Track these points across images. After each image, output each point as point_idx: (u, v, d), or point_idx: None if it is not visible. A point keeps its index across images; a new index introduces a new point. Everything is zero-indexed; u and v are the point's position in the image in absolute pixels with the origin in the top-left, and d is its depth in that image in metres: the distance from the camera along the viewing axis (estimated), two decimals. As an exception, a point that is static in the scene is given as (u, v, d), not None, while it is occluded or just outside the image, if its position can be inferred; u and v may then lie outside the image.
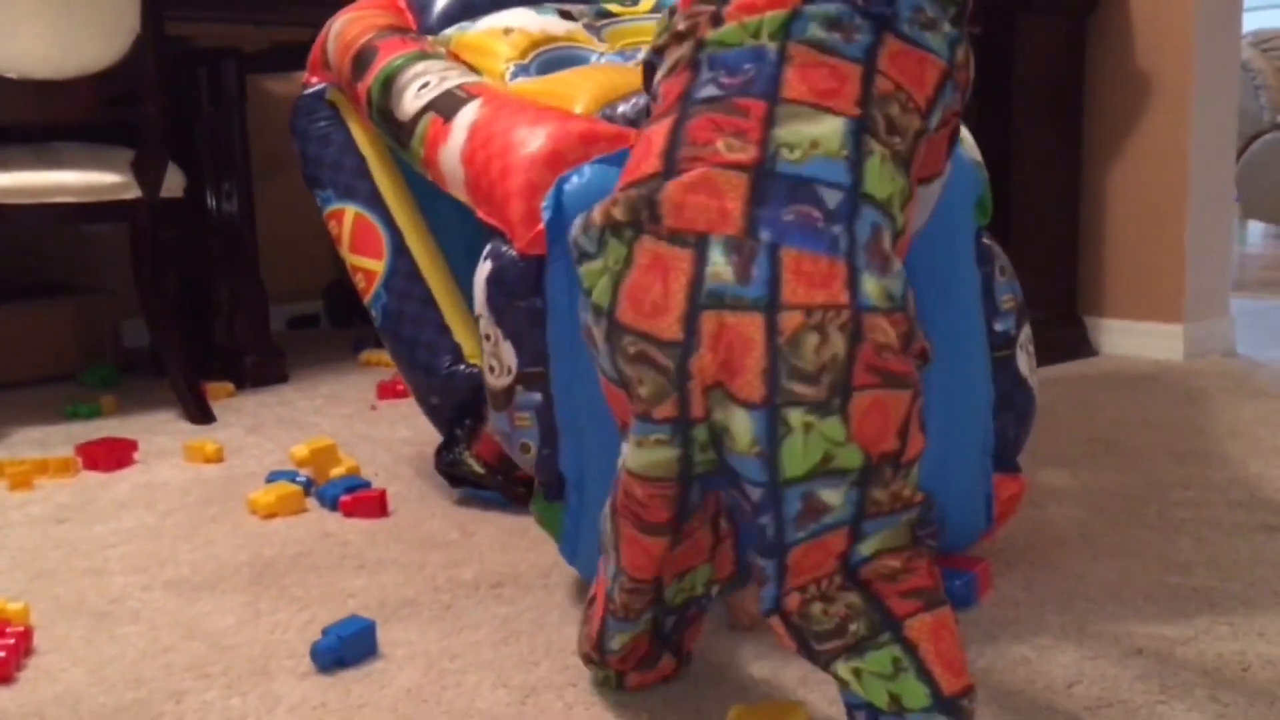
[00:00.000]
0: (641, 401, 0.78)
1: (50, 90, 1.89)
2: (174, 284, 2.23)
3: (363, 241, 1.59)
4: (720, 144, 0.77)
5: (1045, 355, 2.45)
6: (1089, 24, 2.49)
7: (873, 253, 0.74)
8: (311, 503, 1.54)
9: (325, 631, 1.05)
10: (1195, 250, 2.40)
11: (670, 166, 0.78)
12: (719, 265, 0.73)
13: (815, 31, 0.80)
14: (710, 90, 0.81)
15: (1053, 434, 1.82)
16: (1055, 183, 2.51)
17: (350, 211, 1.62)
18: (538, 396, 1.10)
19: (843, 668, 0.77)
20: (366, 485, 1.55)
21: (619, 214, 0.78)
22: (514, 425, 1.13)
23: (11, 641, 1.04)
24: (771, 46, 0.80)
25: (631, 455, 0.82)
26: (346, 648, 1.04)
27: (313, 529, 1.44)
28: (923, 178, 0.87)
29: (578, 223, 0.81)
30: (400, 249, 1.56)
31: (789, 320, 0.72)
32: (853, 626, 0.76)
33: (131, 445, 1.80)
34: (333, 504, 1.51)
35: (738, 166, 0.76)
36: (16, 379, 2.42)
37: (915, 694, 0.75)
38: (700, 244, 0.74)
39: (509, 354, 1.12)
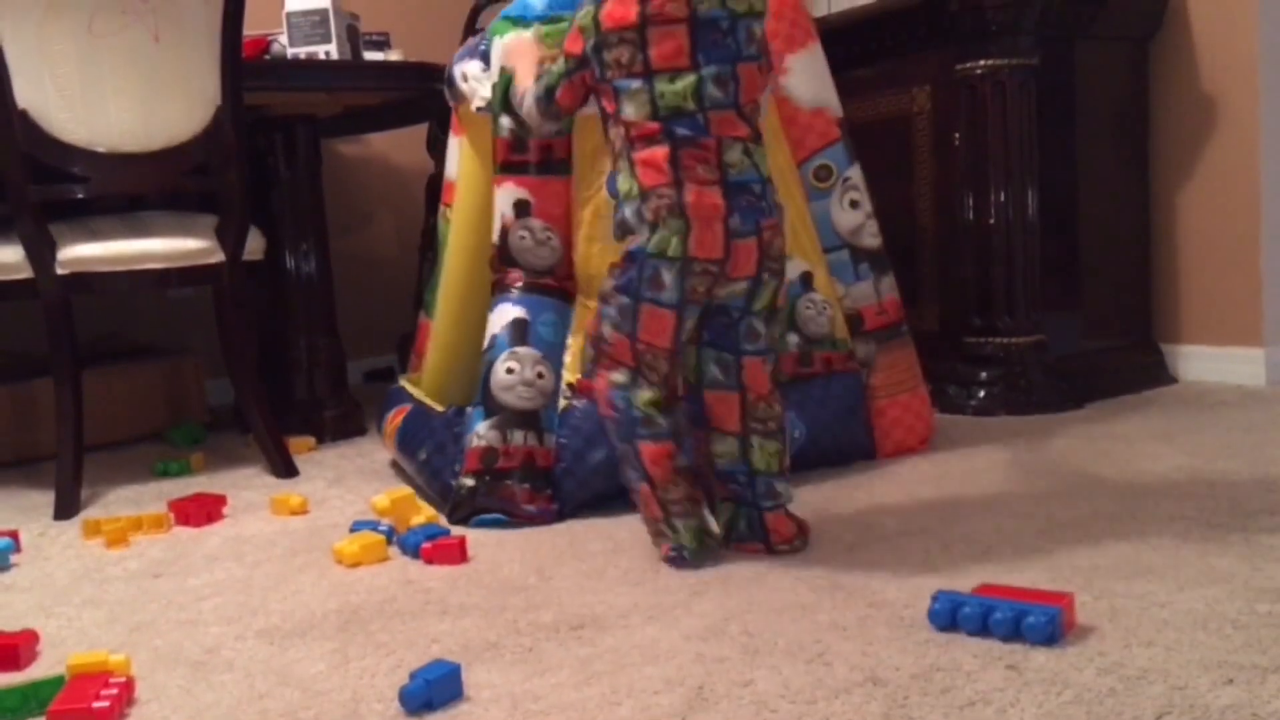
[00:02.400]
0: (695, 296, 1.37)
1: (138, 162, 1.98)
2: (255, 342, 2.30)
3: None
4: (700, 169, 1.34)
5: (1123, 383, 2.43)
6: (1151, 48, 2.48)
7: (777, 210, 1.40)
8: (394, 551, 1.58)
9: (412, 675, 1.07)
10: (1272, 271, 2.36)
11: (678, 181, 1.34)
12: (736, 224, 1.35)
13: (712, 90, 1.34)
14: (684, 132, 1.34)
15: (1135, 463, 1.79)
16: (1124, 209, 2.48)
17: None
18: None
19: (758, 441, 1.43)
20: (445, 533, 1.58)
21: (663, 212, 1.33)
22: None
23: (115, 691, 1.09)
24: (698, 113, 1.35)
25: (685, 330, 1.40)
26: (433, 691, 1.06)
27: (396, 576, 1.47)
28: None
29: (626, 215, 1.38)
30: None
31: (763, 238, 1.37)
32: (774, 424, 1.44)
33: (221, 500, 1.86)
34: (414, 552, 1.54)
35: (712, 180, 1.35)
36: (108, 439, 2.51)
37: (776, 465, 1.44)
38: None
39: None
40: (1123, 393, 2.37)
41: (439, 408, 1.86)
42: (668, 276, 1.34)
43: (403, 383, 2.15)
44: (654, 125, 1.33)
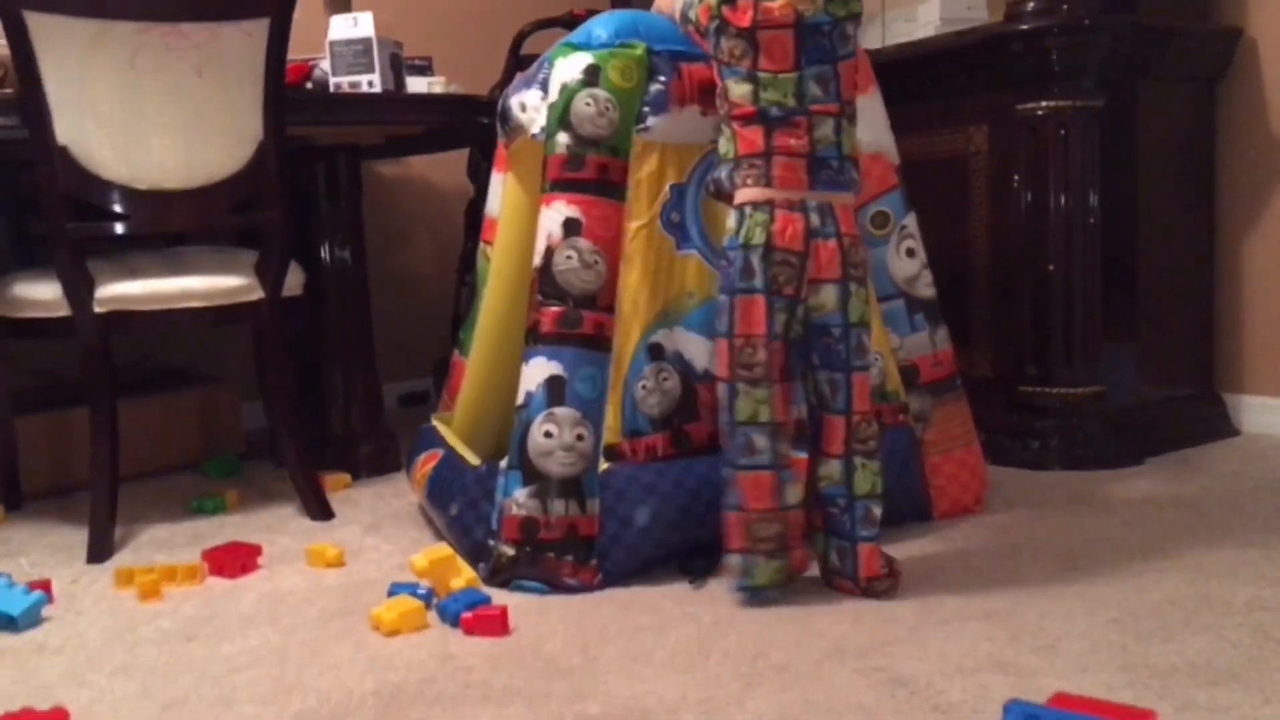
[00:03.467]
0: (782, 285, 1.45)
1: (179, 200, 1.95)
2: (292, 377, 2.26)
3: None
4: (792, 142, 1.47)
5: (1184, 435, 2.34)
6: (1219, 89, 2.39)
7: (855, 184, 1.52)
8: (433, 617, 1.53)
9: (455, 784, 1.02)
10: (1345, 324, 2.27)
11: (769, 153, 1.47)
12: (813, 218, 1.46)
13: (812, 87, 1.48)
14: (776, 112, 1.47)
15: (1204, 536, 1.71)
16: (1187, 254, 2.40)
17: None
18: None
19: (860, 462, 1.49)
20: (486, 600, 1.53)
21: (750, 180, 1.48)
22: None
23: (147, 789, 1.04)
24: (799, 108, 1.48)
25: (777, 320, 1.47)
26: (477, 804, 1.01)
27: (435, 649, 1.42)
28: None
29: (721, 175, 1.52)
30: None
31: (844, 242, 1.47)
32: (873, 443, 1.50)
33: (255, 550, 1.82)
34: (454, 620, 1.49)
35: (801, 153, 1.47)
36: (144, 469, 2.48)
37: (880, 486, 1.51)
38: (804, 206, 1.47)
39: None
40: (1183, 445, 2.29)
41: (472, 459, 1.81)
42: (755, 263, 1.45)
43: (435, 422, 2.10)
44: (751, 109, 1.48)
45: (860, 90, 1.82)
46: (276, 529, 2.04)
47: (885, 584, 1.50)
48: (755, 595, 1.50)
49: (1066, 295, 2.18)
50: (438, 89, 2.55)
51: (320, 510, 2.09)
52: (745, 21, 1.47)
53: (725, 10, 1.48)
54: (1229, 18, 2.36)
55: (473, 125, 2.50)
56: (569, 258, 1.67)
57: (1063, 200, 2.17)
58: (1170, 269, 2.36)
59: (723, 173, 1.52)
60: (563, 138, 1.66)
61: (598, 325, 1.67)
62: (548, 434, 1.65)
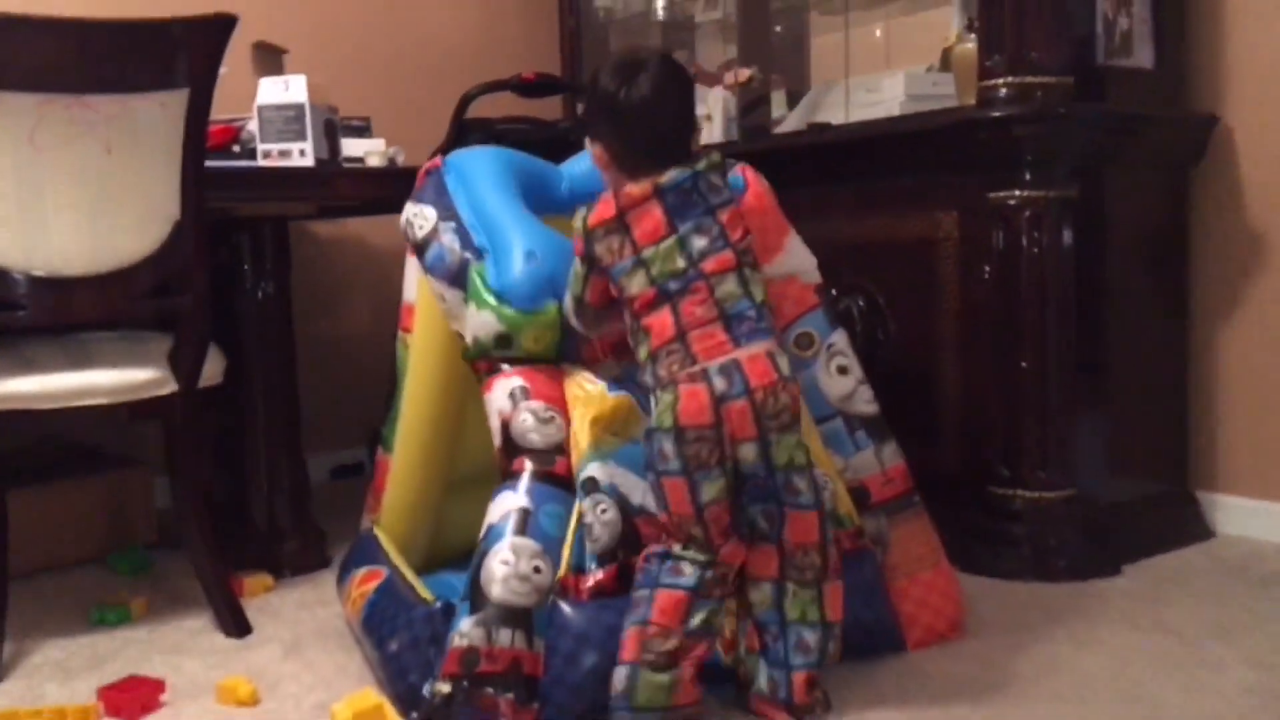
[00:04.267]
0: (703, 459, 1.37)
1: (83, 286, 1.75)
2: (208, 473, 2.07)
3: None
4: (698, 310, 1.40)
5: (1158, 539, 2.23)
6: (1193, 175, 2.31)
7: (774, 332, 1.44)
8: (356, 782, 1.36)
9: None
10: (1323, 426, 2.19)
11: (681, 331, 1.40)
12: (717, 384, 1.37)
13: (695, 241, 1.42)
14: (676, 285, 1.41)
15: (1195, 674, 1.59)
16: (1159, 345, 2.31)
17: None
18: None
19: (792, 588, 1.44)
20: (418, 763, 1.36)
21: (674, 366, 1.39)
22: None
23: None
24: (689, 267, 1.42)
25: (704, 492, 1.38)
26: None
27: (358, 832, 1.25)
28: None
29: (646, 379, 1.44)
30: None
31: (755, 397, 1.37)
32: (810, 574, 1.43)
33: (158, 687, 1.62)
34: (380, 790, 1.32)
35: (711, 318, 1.40)
36: (43, 564, 2.27)
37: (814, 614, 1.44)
38: (705, 375, 1.37)
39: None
40: (1158, 549, 2.19)
41: (424, 591, 1.63)
42: (669, 447, 1.38)
43: (377, 531, 1.93)
44: (651, 291, 1.41)
45: (775, 251, 1.74)
46: (185, 649, 1.85)
47: (817, 714, 1.46)
48: (629, 715, 1.40)
49: (1041, 398, 2.07)
50: (376, 154, 2.39)
51: (235, 625, 1.90)
52: (611, 212, 1.44)
53: (590, 216, 1.46)
54: (1203, 104, 2.28)
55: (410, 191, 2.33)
56: (524, 420, 1.60)
57: (1036, 293, 2.07)
58: (1141, 362, 2.26)
59: (647, 376, 1.44)
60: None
61: (568, 469, 1.59)
62: (504, 561, 1.51)
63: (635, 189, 1.43)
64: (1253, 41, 2.22)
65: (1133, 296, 2.23)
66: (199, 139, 1.82)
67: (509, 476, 1.58)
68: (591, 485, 1.55)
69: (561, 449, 1.60)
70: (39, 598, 2.13)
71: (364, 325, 3.29)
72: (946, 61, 2.44)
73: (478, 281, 1.66)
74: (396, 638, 1.58)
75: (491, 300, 1.64)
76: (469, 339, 1.68)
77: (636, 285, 1.42)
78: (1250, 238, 2.24)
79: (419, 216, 1.81)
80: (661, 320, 1.40)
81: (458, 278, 1.70)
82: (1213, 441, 2.32)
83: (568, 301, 1.55)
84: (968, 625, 1.80)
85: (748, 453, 1.39)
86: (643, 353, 1.44)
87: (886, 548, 1.73)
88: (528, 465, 1.57)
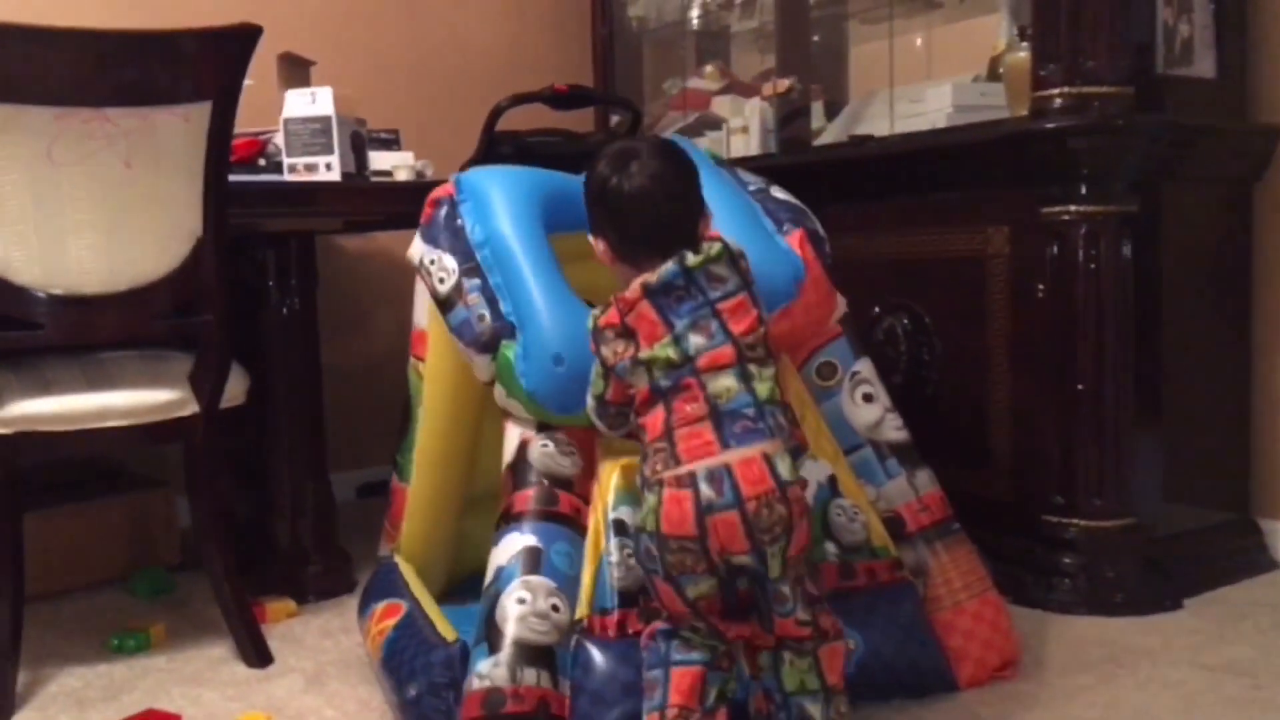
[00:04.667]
0: (688, 567, 1.27)
1: (102, 305, 1.70)
2: (230, 496, 2.00)
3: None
4: (688, 408, 1.29)
5: (1221, 570, 2.12)
6: (1256, 191, 2.20)
7: (781, 430, 1.31)
8: (378, 833, 1.28)
9: None
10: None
11: (669, 429, 1.29)
12: (704, 491, 1.25)
13: (692, 339, 1.31)
14: (667, 383, 1.31)
15: (1272, 716, 1.49)
16: (1219, 368, 2.20)
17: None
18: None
19: (789, 658, 1.33)
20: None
21: (659, 465, 1.29)
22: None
23: None
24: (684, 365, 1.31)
25: (691, 591, 1.29)
26: None
27: None
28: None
29: (644, 473, 1.32)
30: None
31: (747, 508, 1.25)
32: (808, 644, 1.33)
33: (174, 722, 1.56)
34: (403, 843, 1.25)
35: (700, 417, 1.29)
36: (62, 587, 2.22)
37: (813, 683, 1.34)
38: (692, 480, 1.26)
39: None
40: (1221, 582, 2.08)
41: (445, 630, 1.56)
42: (653, 549, 1.30)
43: (397, 559, 1.86)
44: (645, 389, 1.33)
45: (826, 318, 1.69)
46: (204, 679, 1.78)
47: None
48: None
49: (1098, 422, 1.97)
50: (404, 168, 2.33)
51: (256, 655, 1.83)
52: (615, 319, 1.35)
53: (601, 318, 1.37)
54: (1269, 116, 2.18)
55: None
56: (544, 446, 1.53)
57: (1093, 312, 1.97)
58: (1200, 385, 2.16)
59: (645, 469, 1.33)
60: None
61: (574, 508, 1.51)
62: (520, 600, 1.44)
63: (629, 294, 1.34)
64: (1319, 49, 2.11)
65: (1192, 317, 2.13)
66: (222, 153, 1.76)
67: (509, 516, 1.51)
68: (620, 528, 1.48)
69: (571, 485, 1.53)
70: (57, 622, 2.07)
71: (390, 341, 3.22)
72: (994, 71, 2.35)
73: (508, 370, 1.54)
74: (416, 682, 1.50)
75: (523, 398, 1.54)
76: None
77: (638, 384, 1.34)
78: (1317, 255, 2.13)
79: (438, 266, 1.65)
80: (654, 418, 1.31)
81: (488, 346, 1.57)
82: (1276, 467, 2.21)
83: (590, 401, 1.44)
84: (1022, 663, 1.70)
85: (741, 563, 1.28)
86: (642, 446, 1.35)
87: (928, 578, 1.65)
88: (531, 504, 1.50)
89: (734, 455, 1.26)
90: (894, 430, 1.71)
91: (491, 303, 1.57)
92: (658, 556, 1.28)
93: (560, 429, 1.56)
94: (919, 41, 2.92)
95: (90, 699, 1.72)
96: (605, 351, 1.36)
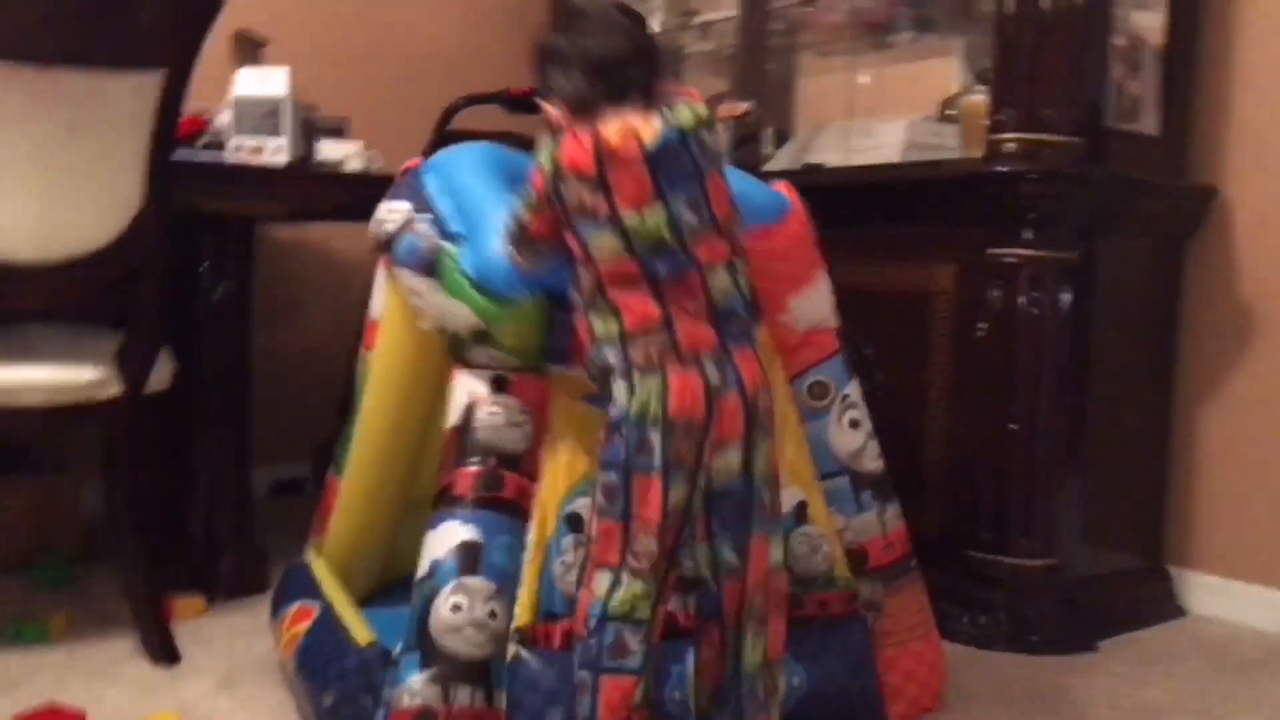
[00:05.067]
0: (683, 458, 1.22)
1: (32, 275, 1.62)
2: (146, 483, 1.91)
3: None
4: (688, 303, 1.24)
5: (1133, 615, 2.17)
6: (1188, 248, 2.28)
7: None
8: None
9: None
10: (1307, 511, 2.15)
11: (668, 319, 1.23)
12: (711, 374, 1.23)
13: (685, 216, 1.24)
14: (666, 269, 1.23)
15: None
16: (1142, 417, 2.26)
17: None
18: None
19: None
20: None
21: (654, 355, 1.23)
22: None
23: None
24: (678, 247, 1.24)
25: (672, 495, 1.23)
26: None
27: None
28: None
29: (608, 359, 1.25)
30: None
31: (747, 394, 1.25)
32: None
33: (79, 718, 1.48)
34: None
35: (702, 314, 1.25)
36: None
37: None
38: (698, 362, 1.23)
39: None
40: (1133, 626, 2.13)
41: (359, 633, 1.49)
42: (653, 438, 1.22)
43: (309, 559, 1.79)
44: (632, 266, 1.23)
45: (805, 283, 1.64)
46: (108, 675, 1.70)
47: None
48: None
49: (1029, 464, 2.01)
50: (354, 157, 2.28)
51: (163, 652, 1.75)
52: (589, 163, 1.22)
53: (561, 155, 1.24)
54: (1204, 175, 2.26)
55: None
56: (493, 413, 1.44)
57: (1032, 355, 2.01)
58: (1123, 432, 2.22)
59: (609, 355, 1.25)
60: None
61: (520, 490, 1.44)
62: (456, 607, 1.38)
63: (617, 139, 1.22)
64: (1254, 115, 2.20)
65: (1119, 366, 2.19)
66: (170, 125, 1.70)
67: (449, 498, 1.42)
68: (576, 523, 1.43)
69: (518, 462, 1.45)
70: (-51, 606, 1.96)
71: (319, 336, 3.14)
72: (943, 113, 2.39)
73: (449, 264, 1.47)
74: (331, 689, 1.44)
75: (465, 284, 1.45)
76: (446, 338, 1.53)
77: (608, 251, 1.23)
78: (1240, 315, 2.21)
79: (390, 213, 1.61)
80: (640, 300, 1.23)
81: (431, 266, 1.50)
82: (1189, 517, 2.28)
83: (508, 221, 1.32)
84: (948, 696, 1.72)
85: (732, 459, 1.25)
86: (601, 328, 1.25)
87: (879, 614, 1.64)
88: (472, 489, 1.42)
89: (733, 349, 1.24)
90: (872, 460, 1.67)
91: (440, 226, 1.51)
92: (658, 446, 1.21)
93: (512, 391, 1.47)
94: (867, 79, 2.96)
95: (-16, 688, 1.62)
96: (568, 196, 1.24)
